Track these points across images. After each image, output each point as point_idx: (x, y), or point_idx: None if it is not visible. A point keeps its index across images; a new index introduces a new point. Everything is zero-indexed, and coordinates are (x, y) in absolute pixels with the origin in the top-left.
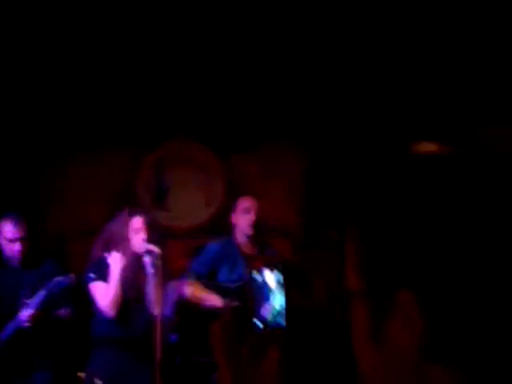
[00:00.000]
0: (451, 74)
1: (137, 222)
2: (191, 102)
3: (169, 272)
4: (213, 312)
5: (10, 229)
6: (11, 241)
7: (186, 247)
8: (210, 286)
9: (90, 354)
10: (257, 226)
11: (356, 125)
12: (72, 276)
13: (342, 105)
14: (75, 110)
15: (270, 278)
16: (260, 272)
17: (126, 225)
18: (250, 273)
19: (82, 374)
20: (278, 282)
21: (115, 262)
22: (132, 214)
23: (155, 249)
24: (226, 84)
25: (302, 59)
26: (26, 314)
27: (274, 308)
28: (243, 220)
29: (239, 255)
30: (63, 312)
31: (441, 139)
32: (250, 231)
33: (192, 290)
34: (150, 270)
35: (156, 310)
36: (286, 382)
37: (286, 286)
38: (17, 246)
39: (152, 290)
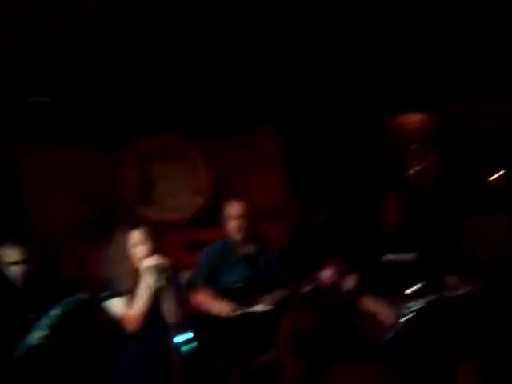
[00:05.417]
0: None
1: (134, 237)
2: (165, 94)
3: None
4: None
5: (10, 253)
6: (14, 264)
7: (184, 240)
8: (216, 292)
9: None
10: (247, 226)
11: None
12: (86, 293)
13: (312, 84)
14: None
15: None
16: None
17: (124, 242)
18: None
19: None
20: None
21: (144, 279)
22: (127, 230)
23: (159, 261)
24: (200, 71)
25: (278, 41)
26: (38, 333)
27: None
28: (231, 225)
29: (237, 256)
30: (78, 330)
31: None
32: (238, 236)
33: (199, 300)
34: (159, 283)
35: (172, 319)
36: None
37: None
38: (20, 269)
39: (167, 300)
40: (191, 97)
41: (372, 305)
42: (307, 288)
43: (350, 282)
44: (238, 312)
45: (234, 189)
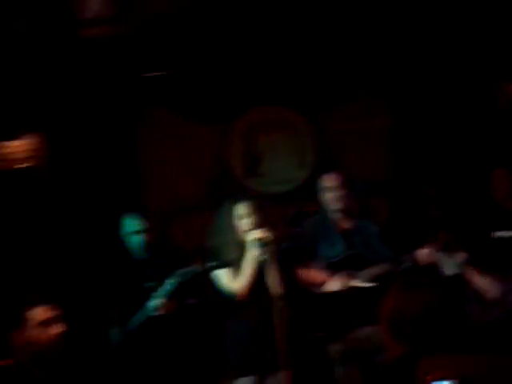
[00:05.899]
0: None
1: (240, 210)
2: (272, 67)
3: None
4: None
5: (130, 223)
6: (133, 234)
7: (285, 212)
8: (315, 265)
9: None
10: (344, 197)
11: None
12: (200, 265)
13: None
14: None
15: None
16: None
17: (230, 214)
18: None
19: None
20: None
21: (249, 252)
22: (234, 202)
23: (264, 235)
24: (309, 45)
25: (385, 9)
26: (155, 303)
27: None
28: (327, 197)
29: (335, 231)
30: (191, 301)
31: None
32: (335, 207)
33: (303, 275)
34: (263, 256)
35: (276, 291)
36: None
37: None
38: (139, 239)
39: (271, 273)
40: (298, 69)
41: (480, 281)
42: (406, 265)
43: (457, 260)
44: (340, 287)
45: (339, 161)
